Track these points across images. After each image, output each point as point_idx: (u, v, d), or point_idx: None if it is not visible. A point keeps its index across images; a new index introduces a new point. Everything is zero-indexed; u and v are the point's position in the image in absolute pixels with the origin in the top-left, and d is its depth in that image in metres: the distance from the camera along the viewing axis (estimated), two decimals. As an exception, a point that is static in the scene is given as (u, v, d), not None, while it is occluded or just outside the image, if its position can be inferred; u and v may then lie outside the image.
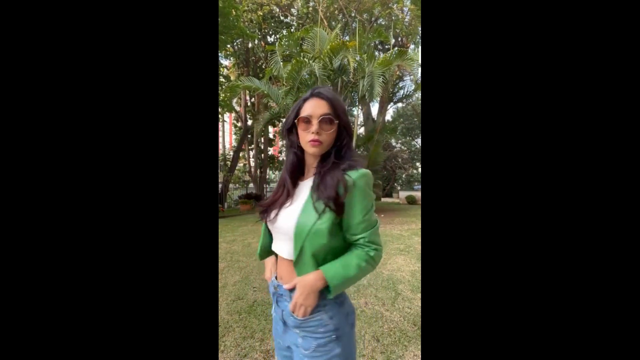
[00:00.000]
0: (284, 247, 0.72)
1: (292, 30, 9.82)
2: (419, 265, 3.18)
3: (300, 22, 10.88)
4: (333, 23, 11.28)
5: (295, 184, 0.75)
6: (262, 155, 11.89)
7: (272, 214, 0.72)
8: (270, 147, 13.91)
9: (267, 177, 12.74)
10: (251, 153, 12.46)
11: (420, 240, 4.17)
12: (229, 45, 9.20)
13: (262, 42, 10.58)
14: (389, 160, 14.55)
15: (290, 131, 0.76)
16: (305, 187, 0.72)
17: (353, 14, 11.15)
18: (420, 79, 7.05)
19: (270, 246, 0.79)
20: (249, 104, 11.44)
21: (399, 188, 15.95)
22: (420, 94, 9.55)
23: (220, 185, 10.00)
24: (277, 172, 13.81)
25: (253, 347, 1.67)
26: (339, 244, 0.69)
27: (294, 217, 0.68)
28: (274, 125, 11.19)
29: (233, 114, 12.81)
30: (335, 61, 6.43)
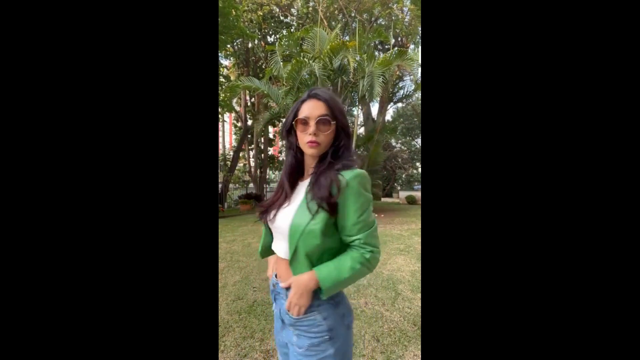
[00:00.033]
0: (281, 246, 0.73)
1: (292, 30, 9.82)
2: (419, 265, 3.18)
3: (300, 22, 10.87)
4: (333, 23, 11.27)
5: (294, 185, 0.76)
6: (262, 155, 11.89)
7: (272, 214, 0.74)
8: (270, 147, 13.90)
9: (267, 177, 12.74)
10: (251, 153, 12.45)
11: (420, 240, 4.17)
12: (229, 45, 9.19)
13: (262, 42, 10.58)
14: (389, 160, 14.55)
15: (289, 133, 0.77)
16: (303, 188, 0.73)
17: (353, 14, 11.15)
18: (420, 79, 7.05)
19: (271, 245, 0.80)
20: (249, 104, 11.44)
21: (399, 188, 15.95)
22: (420, 94, 9.54)
23: (220, 185, 10.00)
24: (277, 172, 13.80)
25: (253, 347, 1.67)
26: (335, 244, 0.69)
27: (290, 217, 0.69)
28: (274, 125, 11.19)
29: (233, 114, 12.81)
30: (335, 61, 6.43)
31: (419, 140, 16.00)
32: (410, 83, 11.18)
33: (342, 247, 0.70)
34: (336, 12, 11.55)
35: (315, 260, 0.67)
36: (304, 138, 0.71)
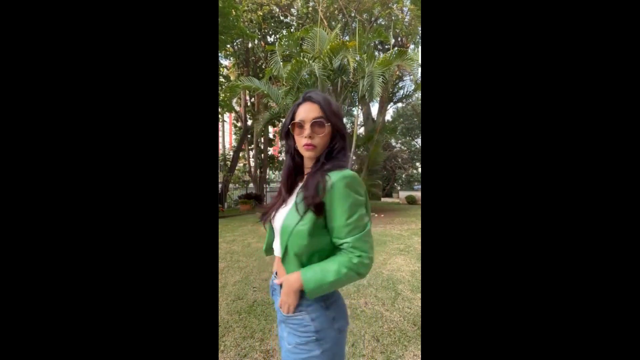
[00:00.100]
0: (277, 245, 0.75)
1: (292, 30, 9.82)
2: (419, 265, 3.18)
3: (300, 22, 10.88)
4: (333, 23, 11.27)
5: (292, 187, 0.78)
6: (262, 155, 11.89)
7: (272, 215, 0.77)
8: (270, 147, 13.91)
9: (267, 177, 12.74)
10: (251, 153, 12.46)
11: (420, 240, 4.17)
12: (228, 45, 9.19)
13: (262, 42, 10.58)
14: (389, 160, 14.56)
15: (287, 136, 0.78)
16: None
17: (353, 14, 11.15)
18: (420, 79, 7.05)
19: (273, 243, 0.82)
20: (248, 104, 11.44)
21: (399, 188, 15.95)
22: (420, 94, 9.55)
23: (220, 185, 9.99)
24: (277, 172, 13.80)
25: (253, 347, 1.67)
26: (326, 246, 0.68)
27: (283, 217, 0.71)
28: (274, 125, 11.20)
29: (233, 114, 12.81)
30: (335, 61, 6.43)
31: (419, 140, 16.01)
32: (410, 83, 11.20)
33: (336, 250, 0.70)
34: (336, 12, 11.56)
35: (305, 260, 0.68)
36: (301, 141, 0.72)
